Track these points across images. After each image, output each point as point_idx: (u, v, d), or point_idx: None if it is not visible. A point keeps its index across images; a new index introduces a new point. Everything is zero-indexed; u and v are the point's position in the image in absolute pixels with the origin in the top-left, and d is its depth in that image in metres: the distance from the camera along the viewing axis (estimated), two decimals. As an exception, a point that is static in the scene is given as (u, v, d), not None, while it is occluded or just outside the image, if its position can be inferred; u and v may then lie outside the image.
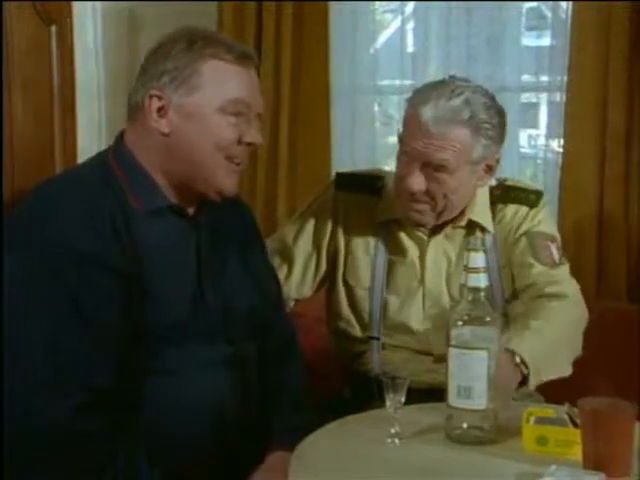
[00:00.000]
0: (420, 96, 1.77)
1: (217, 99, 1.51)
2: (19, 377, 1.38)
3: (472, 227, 1.89)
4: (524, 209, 1.90)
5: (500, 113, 1.80)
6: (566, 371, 1.76)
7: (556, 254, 1.88)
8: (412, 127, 1.77)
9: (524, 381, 1.67)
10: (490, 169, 1.83)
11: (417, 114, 1.74)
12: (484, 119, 1.75)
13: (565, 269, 1.89)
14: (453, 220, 1.88)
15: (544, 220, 1.91)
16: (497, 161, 1.83)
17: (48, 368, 1.39)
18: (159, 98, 1.50)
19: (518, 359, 1.65)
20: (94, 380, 1.42)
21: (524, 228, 1.89)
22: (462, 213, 1.88)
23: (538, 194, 1.93)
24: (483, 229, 1.89)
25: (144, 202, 1.52)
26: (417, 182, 1.77)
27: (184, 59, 1.50)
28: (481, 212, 1.89)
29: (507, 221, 1.90)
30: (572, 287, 1.87)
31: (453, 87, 1.75)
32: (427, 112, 1.73)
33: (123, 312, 1.46)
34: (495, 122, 1.78)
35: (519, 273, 1.88)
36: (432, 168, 1.76)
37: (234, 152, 1.55)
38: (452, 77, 1.82)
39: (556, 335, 1.75)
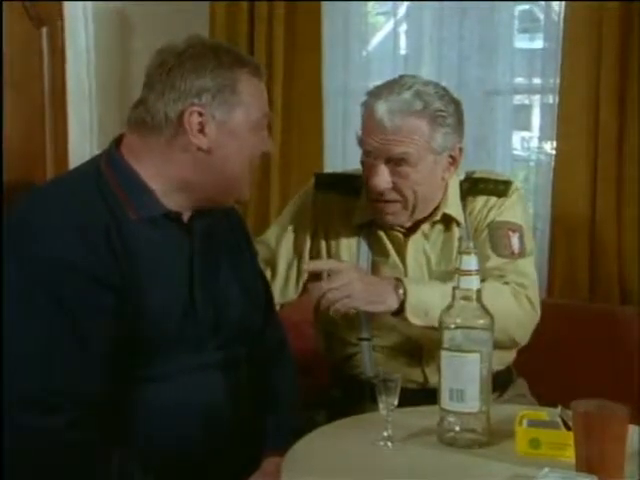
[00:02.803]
0: (372, 96, 1.81)
1: (254, 115, 1.55)
2: (12, 393, 1.38)
3: (448, 222, 1.89)
4: (493, 199, 1.89)
5: (455, 102, 1.83)
6: None
7: (516, 244, 1.85)
8: (368, 126, 1.80)
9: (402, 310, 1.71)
10: (454, 160, 1.84)
11: (371, 112, 1.78)
12: (438, 107, 1.78)
13: (524, 263, 1.85)
14: (428, 217, 1.88)
15: (509, 208, 1.88)
16: (460, 151, 1.85)
17: (40, 383, 1.39)
18: (200, 114, 1.50)
19: (401, 289, 1.69)
20: (85, 394, 1.42)
21: (490, 218, 1.88)
22: (436, 208, 1.88)
23: (507, 184, 1.91)
24: (458, 223, 1.88)
25: (141, 210, 1.51)
26: (383, 180, 1.79)
27: (222, 77, 1.51)
28: (453, 205, 1.89)
29: (476, 212, 1.89)
30: (521, 279, 1.81)
31: (402, 83, 1.80)
32: (380, 108, 1.76)
33: (115, 326, 1.46)
34: (451, 110, 1.80)
35: None
36: (394, 163, 1.78)
37: (256, 163, 1.61)
38: (402, 76, 1.86)
39: None
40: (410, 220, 1.87)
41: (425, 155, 1.78)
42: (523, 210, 1.94)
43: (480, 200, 1.90)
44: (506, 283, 1.80)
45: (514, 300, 1.78)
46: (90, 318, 1.43)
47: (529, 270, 1.86)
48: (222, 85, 1.51)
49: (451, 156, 1.83)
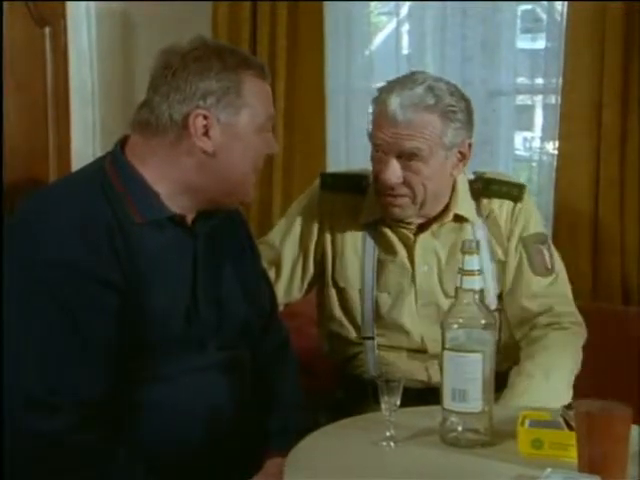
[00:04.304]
0: (384, 91, 1.82)
1: (259, 117, 1.55)
2: (13, 394, 1.38)
3: (460, 221, 1.89)
4: (509, 204, 1.90)
5: (465, 98, 1.85)
6: (566, 399, 1.76)
7: (548, 259, 1.89)
8: (380, 120, 1.80)
9: None
10: (463, 156, 1.85)
11: (383, 107, 1.79)
12: (450, 103, 1.79)
13: (562, 282, 1.91)
14: (438, 217, 1.88)
15: (532, 217, 1.92)
16: (469, 147, 1.85)
17: (41, 385, 1.40)
18: (204, 117, 1.50)
19: None
20: (88, 395, 1.42)
21: (517, 232, 1.89)
22: (446, 208, 1.88)
23: (521, 187, 1.94)
24: (472, 223, 1.89)
25: (144, 213, 1.51)
26: (394, 174, 1.79)
27: (226, 79, 1.51)
28: (465, 206, 1.89)
29: (495, 215, 1.90)
30: (569, 308, 1.90)
31: (415, 78, 1.81)
32: (392, 103, 1.77)
33: (117, 326, 1.46)
34: (462, 106, 1.82)
35: (518, 287, 1.89)
36: (405, 158, 1.79)
37: (260, 165, 1.60)
38: (413, 72, 1.88)
39: (560, 375, 1.79)
40: (418, 216, 1.87)
41: (436, 150, 1.79)
42: (539, 215, 1.98)
43: (496, 203, 1.91)
44: (563, 328, 1.86)
45: (576, 341, 1.87)
46: (91, 318, 1.43)
47: (567, 290, 1.93)
48: (227, 88, 1.50)
49: (460, 152, 1.84)
